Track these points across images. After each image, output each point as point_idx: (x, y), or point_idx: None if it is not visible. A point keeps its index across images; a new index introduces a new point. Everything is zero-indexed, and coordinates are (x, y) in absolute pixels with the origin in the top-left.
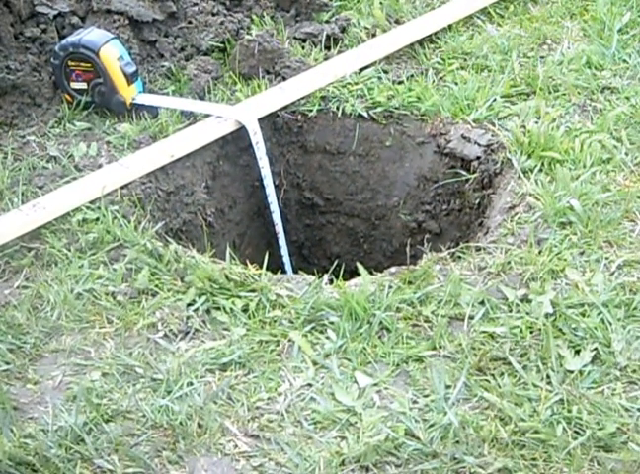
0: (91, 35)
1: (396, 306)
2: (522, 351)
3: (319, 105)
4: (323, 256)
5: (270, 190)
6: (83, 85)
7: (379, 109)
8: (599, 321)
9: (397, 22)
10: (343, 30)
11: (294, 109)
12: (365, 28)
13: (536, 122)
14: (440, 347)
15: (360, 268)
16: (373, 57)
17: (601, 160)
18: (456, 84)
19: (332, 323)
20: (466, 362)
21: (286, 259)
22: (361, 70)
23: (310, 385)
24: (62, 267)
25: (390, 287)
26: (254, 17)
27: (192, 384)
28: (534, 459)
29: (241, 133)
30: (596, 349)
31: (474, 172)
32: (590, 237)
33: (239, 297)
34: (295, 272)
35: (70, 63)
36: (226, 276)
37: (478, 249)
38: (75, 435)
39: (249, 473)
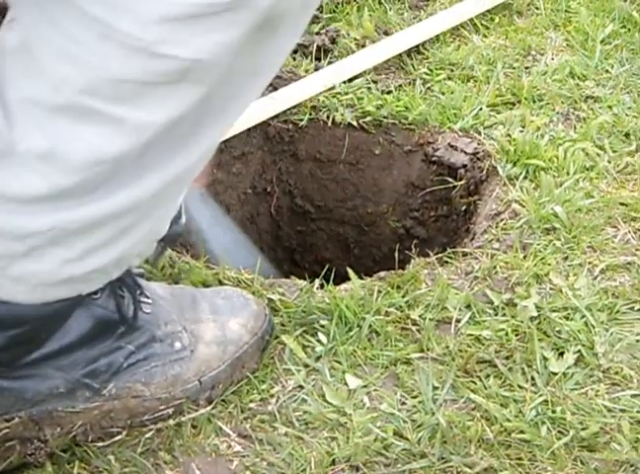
0: None
1: (385, 310)
2: (508, 353)
3: (310, 114)
4: (314, 261)
5: None
6: None
7: (369, 118)
8: (582, 324)
9: (386, 33)
10: (333, 41)
11: (285, 118)
12: (355, 39)
13: (521, 131)
14: (428, 349)
15: (350, 272)
16: (363, 68)
17: (585, 168)
18: (443, 94)
19: (323, 326)
20: (453, 365)
21: None
22: (351, 80)
23: (301, 387)
24: None
25: (379, 292)
26: None
27: None
28: (520, 459)
29: (234, 143)
30: (579, 351)
31: (461, 179)
32: (573, 242)
33: None
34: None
35: None
36: (220, 282)
37: (465, 254)
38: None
39: (242, 472)
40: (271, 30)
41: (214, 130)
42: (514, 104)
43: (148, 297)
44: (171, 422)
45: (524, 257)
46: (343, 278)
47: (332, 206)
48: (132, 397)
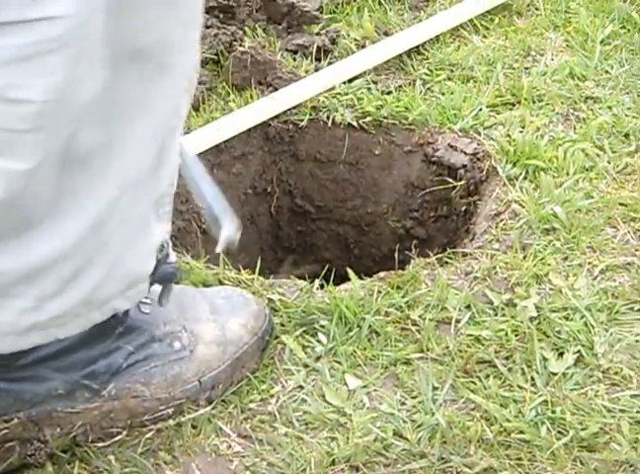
0: None
1: (385, 310)
2: (508, 353)
3: (310, 114)
4: (314, 261)
5: None
6: None
7: (369, 118)
8: (582, 324)
9: (386, 34)
10: (333, 41)
11: (286, 118)
12: (355, 40)
13: (521, 132)
14: (428, 349)
15: (350, 273)
16: (363, 68)
17: (584, 168)
18: (443, 94)
19: (322, 327)
20: (453, 365)
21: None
22: (351, 81)
23: (301, 387)
24: None
25: (379, 292)
26: (247, 29)
27: None
28: (519, 459)
29: (234, 143)
30: (579, 351)
31: (460, 180)
32: (573, 243)
33: None
34: None
35: None
36: (220, 282)
37: (464, 254)
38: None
39: (242, 473)
40: (153, 64)
41: (118, 169)
42: (513, 104)
43: (147, 297)
44: (171, 422)
45: (524, 257)
46: (343, 279)
47: (332, 206)
48: (132, 397)
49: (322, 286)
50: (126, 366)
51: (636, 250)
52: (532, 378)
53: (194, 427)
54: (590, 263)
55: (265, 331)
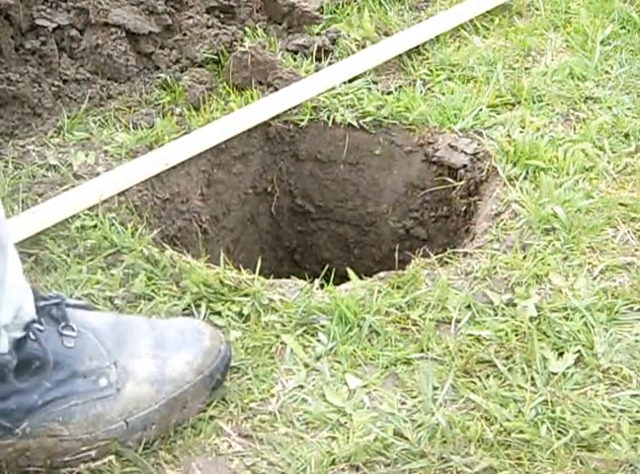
0: None
1: (385, 310)
2: (508, 353)
3: (310, 114)
4: (314, 261)
5: None
6: None
7: (369, 118)
8: (581, 324)
9: (386, 34)
10: (333, 42)
11: (286, 118)
12: (355, 40)
13: (521, 132)
14: (428, 349)
15: (351, 273)
16: (363, 68)
17: (584, 168)
18: (443, 94)
19: (323, 326)
20: (453, 365)
21: None
22: (351, 81)
23: (302, 387)
24: (61, 272)
25: (379, 292)
26: (247, 29)
27: None
28: (519, 459)
29: (235, 143)
30: (579, 351)
31: (461, 180)
32: (573, 243)
33: (233, 302)
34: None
35: None
36: (221, 281)
37: (465, 254)
38: None
39: (242, 472)
40: None
41: None
42: (513, 104)
43: (74, 330)
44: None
45: (524, 257)
46: (343, 279)
47: (332, 206)
48: (49, 436)
49: (322, 286)
50: (42, 404)
51: (636, 250)
52: (532, 378)
53: (194, 426)
54: (590, 263)
55: (215, 369)
